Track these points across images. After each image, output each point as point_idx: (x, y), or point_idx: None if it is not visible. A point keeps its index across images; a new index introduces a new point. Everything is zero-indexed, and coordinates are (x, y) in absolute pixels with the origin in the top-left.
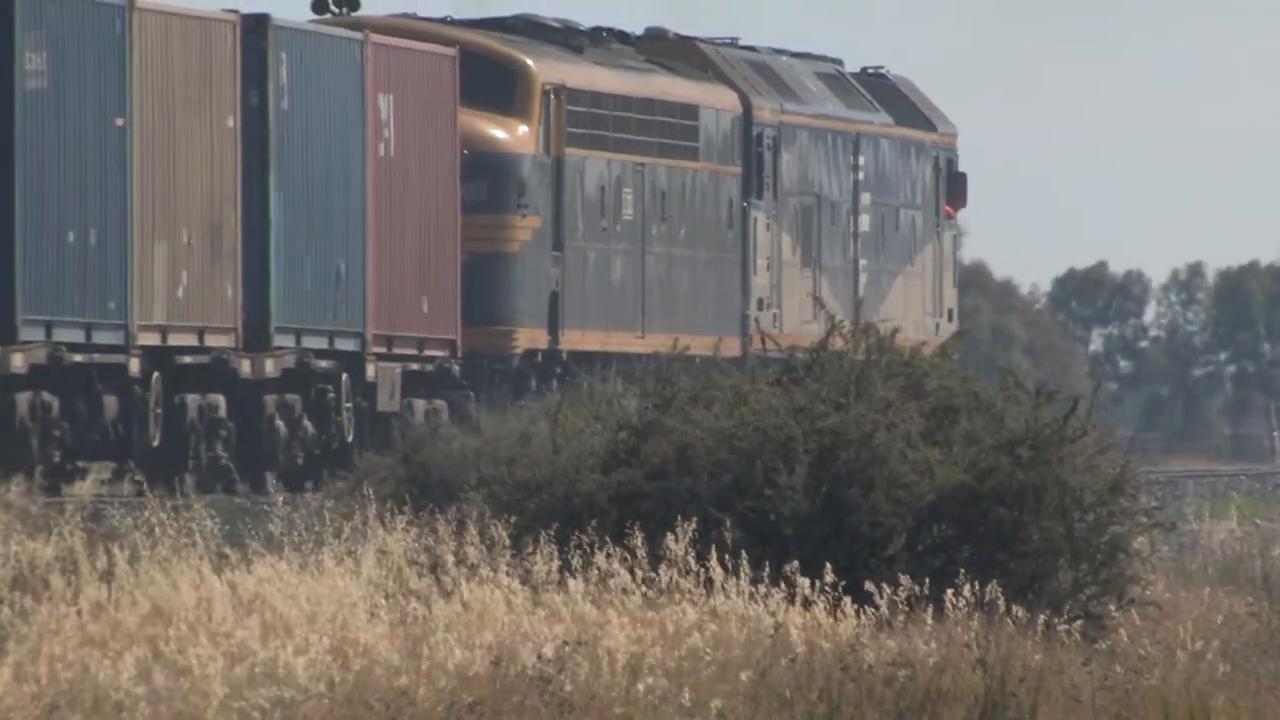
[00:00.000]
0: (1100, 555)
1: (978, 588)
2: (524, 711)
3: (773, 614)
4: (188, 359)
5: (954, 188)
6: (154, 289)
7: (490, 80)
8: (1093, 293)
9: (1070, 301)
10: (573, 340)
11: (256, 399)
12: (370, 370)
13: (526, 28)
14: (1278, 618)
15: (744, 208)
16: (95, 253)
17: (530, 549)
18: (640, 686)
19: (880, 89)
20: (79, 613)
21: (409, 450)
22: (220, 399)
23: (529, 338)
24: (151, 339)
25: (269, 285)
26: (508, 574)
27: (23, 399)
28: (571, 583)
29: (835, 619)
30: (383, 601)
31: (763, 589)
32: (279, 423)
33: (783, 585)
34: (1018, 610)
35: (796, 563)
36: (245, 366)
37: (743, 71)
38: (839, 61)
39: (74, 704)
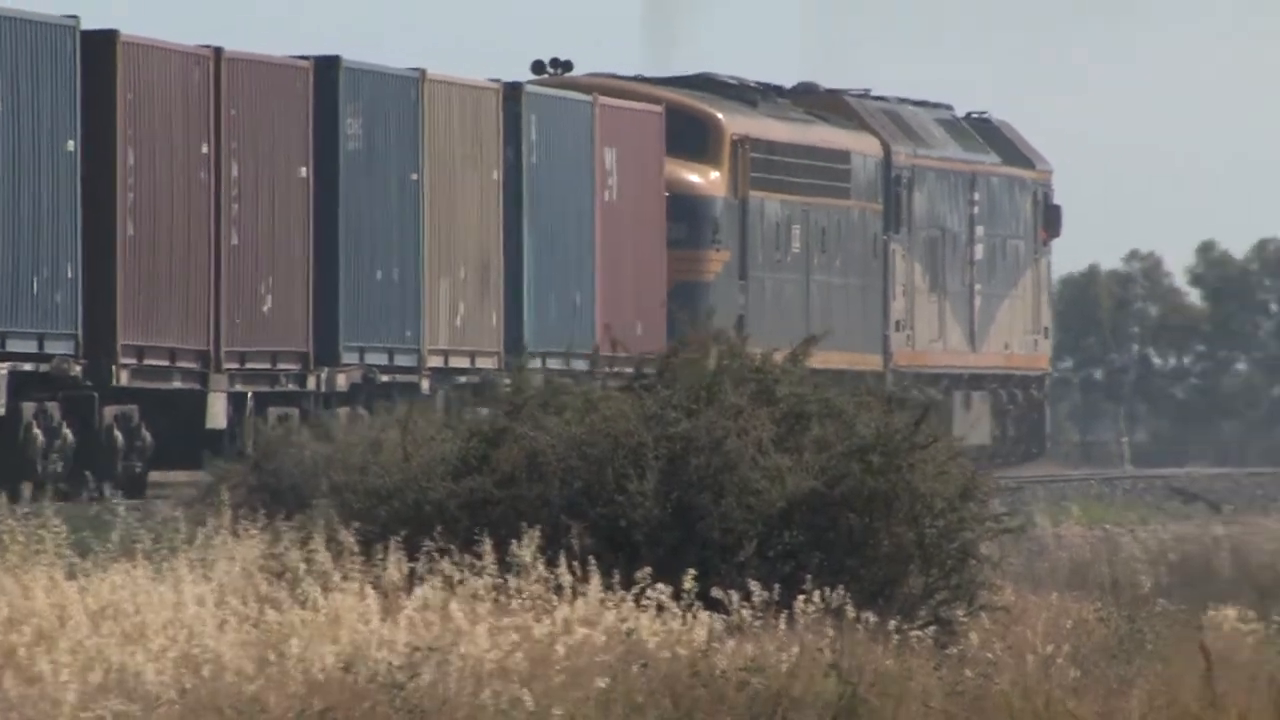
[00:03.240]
0: (950, 561)
1: (828, 593)
2: (374, 717)
3: (624, 620)
4: (462, 379)
5: (1050, 218)
6: (439, 318)
7: (687, 132)
8: None
9: None
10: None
11: None
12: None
13: (707, 84)
14: (1126, 623)
15: (885, 240)
16: (397, 288)
17: (380, 556)
18: (487, 692)
19: (986, 131)
20: None
21: (260, 458)
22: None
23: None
24: (437, 361)
25: (522, 315)
26: (359, 581)
27: (343, 413)
28: (422, 590)
29: (687, 625)
30: (236, 608)
31: (615, 595)
32: None
33: (634, 592)
34: (868, 616)
35: (648, 569)
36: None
37: (880, 120)
38: (950, 107)
39: None
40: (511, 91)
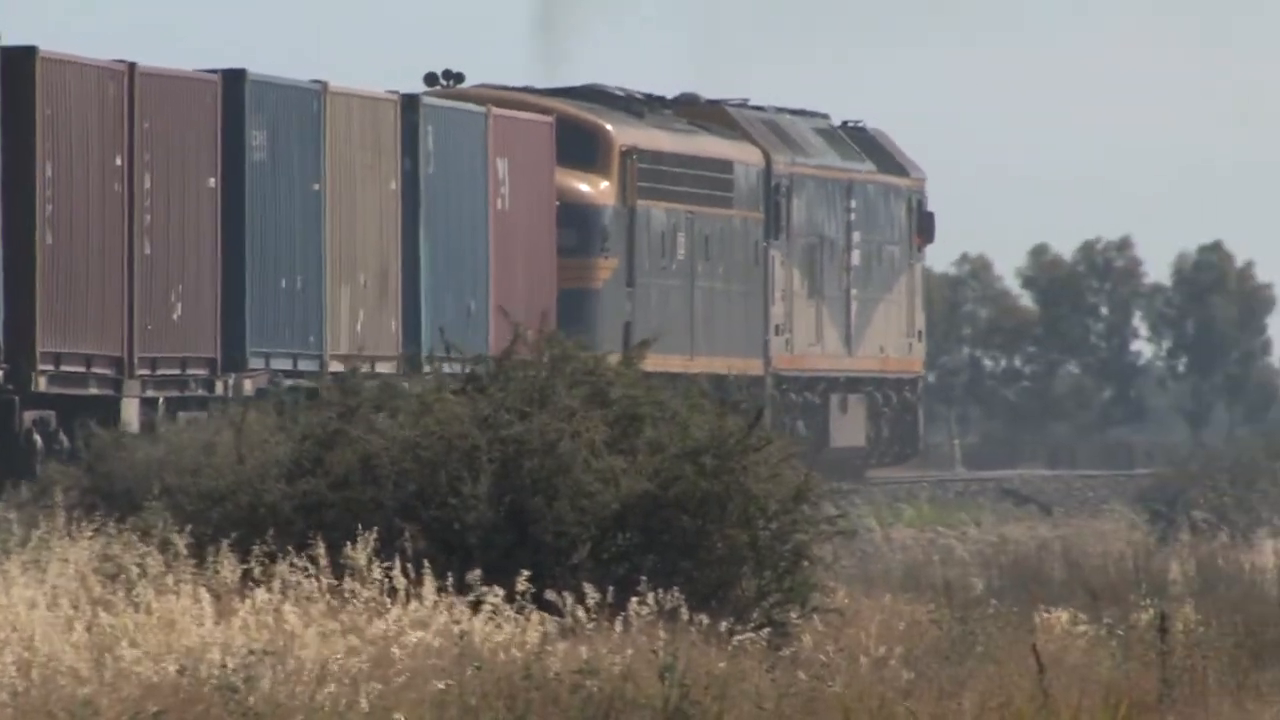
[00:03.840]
0: (784, 563)
1: (662, 596)
2: None
3: (458, 623)
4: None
5: (923, 225)
6: (340, 325)
7: (577, 142)
8: None
9: None
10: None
11: None
12: None
13: (595, 95)
14: (958, 624)
15: (765, 247)
16: (300, 295)
17: (214, 558)
18: (324, 695)
19: (862, 140)
20: None
21: (92, 460)
22: None
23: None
24: (339, 366)
25: (420, 321)
26: (193, 583)
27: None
28: (258, 592)
29: (521, 628)
30: (69, 611)
31: (448, 598)
32: None
33: (469, 594)
34: (702, 618)
35: (482, 572)
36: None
37: (761, 130)
38: (827, 116)
39: None
40: (409, 103)
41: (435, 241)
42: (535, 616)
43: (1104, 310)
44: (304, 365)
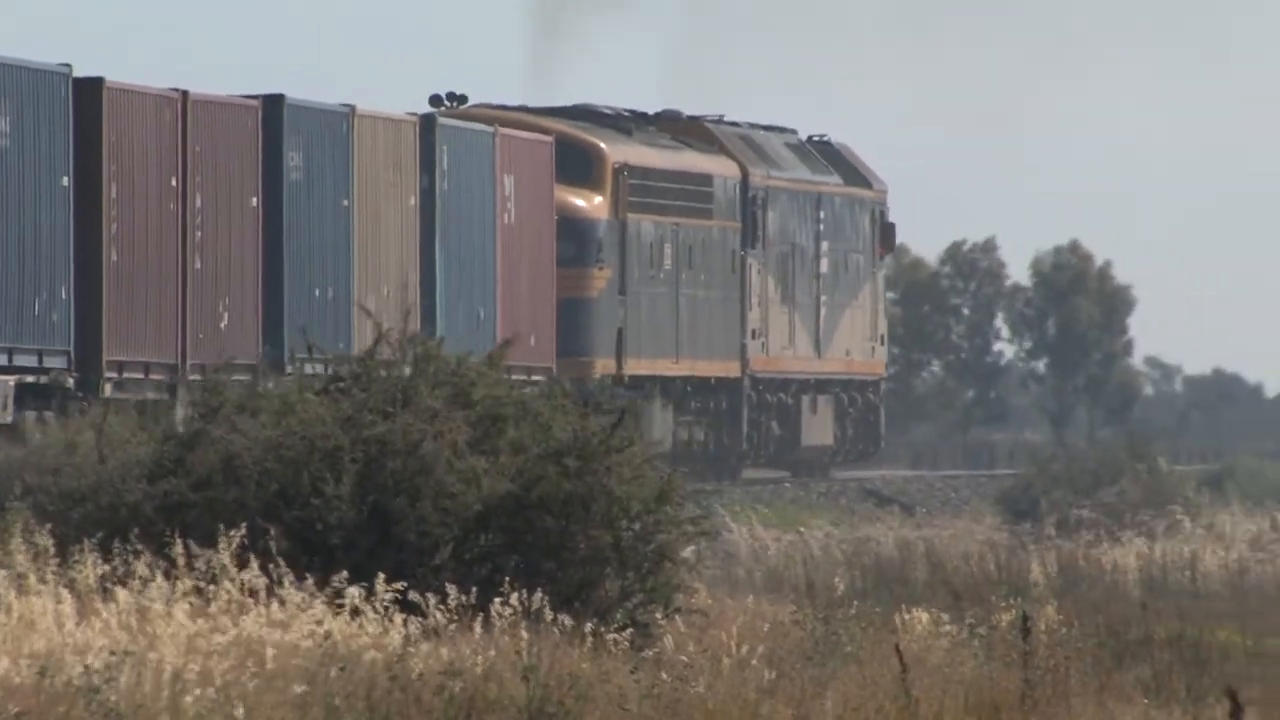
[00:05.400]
0: (647, 564)
1: (525, 596)
2: None
3: (320, 623)
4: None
5: (885, 234)
6: (367, 332)
7: (574, 160)
8: None
9: None
10: (632, 367)
11: None
12: None
13: (587, 114)
14: (821, 625)
15: (742, 256)
16: (332, 305)
17: (75, 558)
18: (189, 698)
19: (828, 153)
20: None
21: None
22: None
23: (604, 365)
24: None
25: (435, 328)
26: (54, 584)
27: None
28: (120, 593)
29: (384, 628)
30: None
31: (311, 599)
32: None
33: (332, 595)
34: (565, 619)
35: (345, 572)
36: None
37: (737, 145)
38: (795, 131)
39: None
40: (427, 124)
41: (449, 254)
42: (398, 617)
43: (966, 311)
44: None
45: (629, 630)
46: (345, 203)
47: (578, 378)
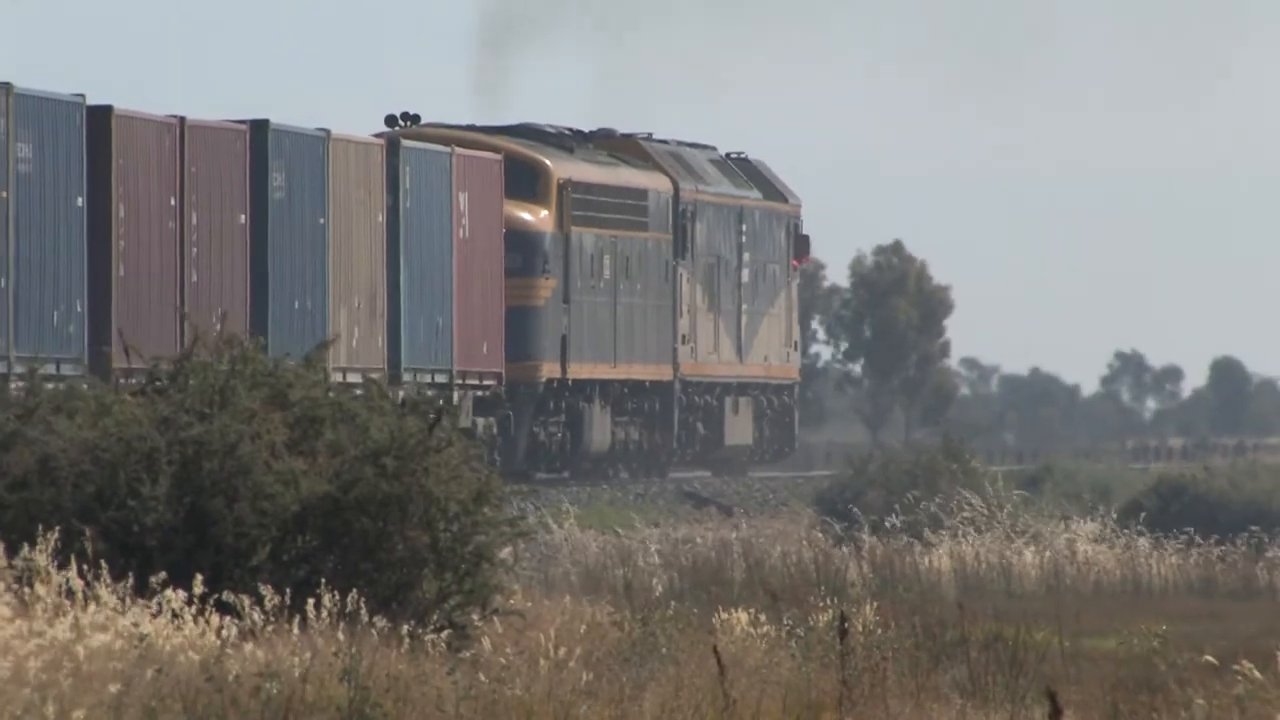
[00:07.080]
0: (465, 565)
1: (342, 598)
2: None
3: (136, 625)
4: (359, 393)
5: (799, 246)
6: (339, 341)
7: (522, 177)
8: None
9: None
10: (575, 371)
11: None
12: (455, 396)
13: (532, 133)
14: (639, 626)
15: (674, 266)
16: (310, 316)
17: None
18: (2, 698)
19: (747, 169)
20: None
21: None
22: None
23: (549, 370)
24: (338, 378)
25: (399, 337)
26: None
27: None
28: None
29: (201, 630)
30: None
31: (128, 600)
32: None
33: (149, 596)
34: (382, 620)
35: (163, 574)
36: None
37: (668, 161)
38: (714, 148)
39: None
40: (392, 146)
41: (412, 267)
42: (215, 619)
43: None
44: None
45: (447, 632)
46: (321, 220)
47: (526, 380)
